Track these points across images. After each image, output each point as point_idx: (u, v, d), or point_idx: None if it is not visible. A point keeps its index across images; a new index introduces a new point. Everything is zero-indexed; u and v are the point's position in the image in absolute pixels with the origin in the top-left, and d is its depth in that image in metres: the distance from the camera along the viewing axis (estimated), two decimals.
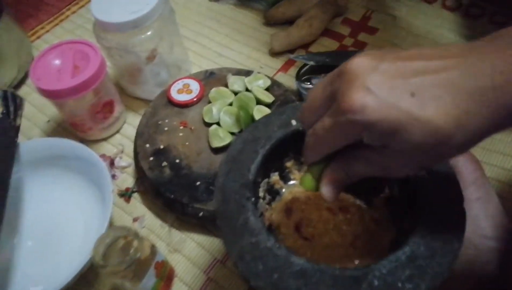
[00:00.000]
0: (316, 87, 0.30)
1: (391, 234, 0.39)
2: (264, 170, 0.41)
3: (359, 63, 0.27)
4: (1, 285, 0.51)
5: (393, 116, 0.25)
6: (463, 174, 0.47)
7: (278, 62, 0.73)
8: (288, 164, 0.45)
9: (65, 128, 0.68)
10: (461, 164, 0.47)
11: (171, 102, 0.62)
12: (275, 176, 0.44)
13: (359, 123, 0.26)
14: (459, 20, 0.74)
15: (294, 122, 0.42)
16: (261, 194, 0.41)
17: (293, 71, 0.70)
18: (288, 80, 0.69)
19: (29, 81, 0.74)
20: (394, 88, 0.26)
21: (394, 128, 0.26)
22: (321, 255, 0.39)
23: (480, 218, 0.45)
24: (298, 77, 0.62)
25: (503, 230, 0.45)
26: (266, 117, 0.43)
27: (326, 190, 0.33)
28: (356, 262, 0.38)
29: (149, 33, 0.58)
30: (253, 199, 0.37)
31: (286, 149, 0.43)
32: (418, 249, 0.32)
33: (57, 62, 0.59)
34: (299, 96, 0.63)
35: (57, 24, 0.84)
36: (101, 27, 0.58)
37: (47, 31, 0.83)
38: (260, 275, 0.32)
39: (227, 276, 0.51)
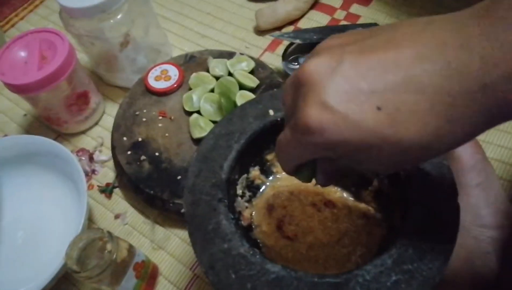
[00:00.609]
0: (285, 88, 0.26)
1: (381, 231, 0.36)
2: (242, 165, 0.38)
3: (315, 67, 0.22)
4: None
5: (357, 137, 0.21)
6: (462, 158, 0.44)
7: (265, 41, 0.68)
8: (269, 157, 0.41)
9: (42, 122, 0.64)
10: (460, 148, 0.43)
11: (149, 91, 0.59)
12: (254, 171, 0.40)
13: (319, 144, 0.23)
14: None
15: (271, 112, 0.38)
16: (239, 191, 0.38)
17: (281, 50, 0.66)
18: (275, 60, 0.65)
19: None
20: (356, 100, 0.21)
21: (359, 148, 0.22)
22: (305, 255, 0.36)
23: (480, 206, 0.42)
24: (285, 57, 0.58)
25: (505, 217, 0.42)
26: (241, 108, 0.39)
27: (319, 179, 0.29)
28: (342, 263, 0.35)
29: (119, 16, 0.54)
30: (225, 200, 0.34)
31: (266, 141, 0.39)
32: (405, 251, 0.29)
33: (22, 53, 0.55)
34: (286, 77, 0.59)
35: (31, 11, 0.79)
36: (67, 14, 0.54)
37: (21, 19, 0.79)
38: (232, 286, 0.30)
39: None
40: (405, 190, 0.33)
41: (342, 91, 0.21)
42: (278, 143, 0.27)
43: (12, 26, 0.78)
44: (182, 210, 0.49)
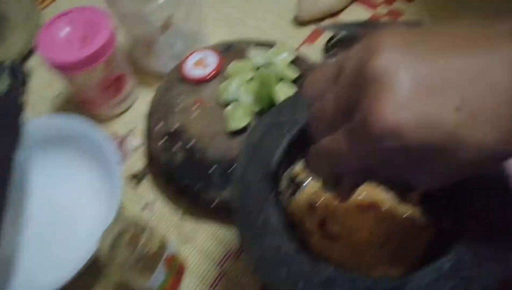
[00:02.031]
0: (317, 80, 0.24)
1: (428, 235, 0.34)
2: (288, 159, 0.36)
3: (386, 63, 0.20)
4: (4, 274, 0.48)
5: (435, 139, 0.20)
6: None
7: (304, 32, 0.66)
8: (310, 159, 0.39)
9: (75, 103, 0.63)
10: None
11: (186, 78, 0.57)
12: (299, 166, 0.39)
13: (391, 149, 0.20)
14: None
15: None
16: (283, 185, 0.36)
17: (320, 43, 0.64)
18: (314, 53, 0.63)
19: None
20: (434, 100, 0.20)
21: (434, 150, 0.20)
22: (349, 257, 0.34)
23: None
24: (326, 50, 0.56)
25: None
26: (291, 99, 0.37)
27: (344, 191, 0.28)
28: (387, 267, 0.33)
29: None
30: (275, 194, 0.32)
31: None
32: (463, 257, 0.28)
33: (65, 31, 0.54)
34: None
35: None
36: None
37: None
38: (282, 284, 0.28)
39: (241, 271, 0.47)
40: (459, 194, 0.31)
41: (420, 90, 0.20)
42: (320, 148, 0.25)
43: (48, 4, 0.77)
44: (214, 203, 0.48)
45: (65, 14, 0.55)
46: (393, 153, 0.21)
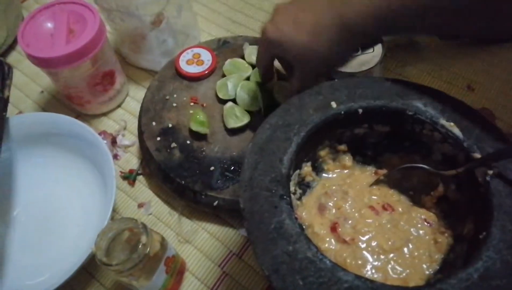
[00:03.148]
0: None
1: (447, 239, 0.33)
2: (296, 161, 0.35)
3: (278, 8, 0.42)
4: None
5: (282, 38, 0.40)
6: None
7: None
8: (322, 153, 0.38)
9: (60, 100, 0.60)
10: None
11: (180, 75, 0.55)
12: (307, 167, 0.37)
13: (270, 44, 0.42)
14: None
15: (334, 105, 0.35)
16: (292, 188, 0.35)
17: None
18: None
19: (20, 46, 0.66)
20: (289, 24, 0.39)
21: (281, 45, 0.40)
22: (364, 262, 0.33)
23: None
24: None
25: None
26: (299, 98, 0.36)
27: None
28: (407, 272, 0.33)
29: None
30: (288, 197, 0.31)
31: (322, 136, 0.37)
32: (493, 265, 0.27)
33: (49, 25, 0.51)
34: None
35: None
36: None
37: None
38: None
39: (244, 271, 0.46)
40: (483, 197, 0.30)
41: (284, 19, 0.40)
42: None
43: None
44: (215, 203, 0.46)
45: (48, 7, 0.51)
46: (273, 46, 0.42)
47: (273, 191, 0.31)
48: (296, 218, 0.30)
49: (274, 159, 0.33)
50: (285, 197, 0.31)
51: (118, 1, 0.51)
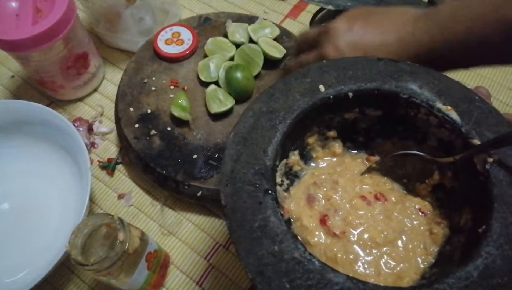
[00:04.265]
0: (308, 32, 0.43)
1: (443, 231, 0.31)
2: (283, 150, 0.32)
3: (337, 26, 0.39)
4: None
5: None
6: None
7: (286, 6, 0.61)
8: (311, 140, 0.36)
9: (33, 85, 0.57)
10: None
11: (159, 56, 0.52)
12: (294, 156, 0.35)
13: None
14: None
15: (322, 88, 0.32)
16: (278, 179, 0.33)
17: (304, 17, 0.59)
18: (298, 28, 0.59)
19: None
20: (354, 48, 0.37)
21: None
22: (356, 257, 0.31)
23: None
24: (313, 24, 0.52)
25: None
26: (284, 81, 0.33)
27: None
28: (401, 266, 0.31)
29: None
30: (273, 192, 0.28)
31: (310, 122, 0.34)
32: (493, 262, 0.25)
33: (13, 4, 0.47)
34: None
35: None
36: None
37: None
38: None
39: (231, 263, 0.44)
40: (482, 187, 0.28)
41: (348, 43, 0.38)
42: (298, 59, 0.43)
43: None
44: (199, 193, 0.44)
45: None
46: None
47: (257, 185, 0.28)
48: (282, 215, 0.28)
49: (258, 149, 0.30)
50: (270, 191, 0.28)
51: None
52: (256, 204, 0.28)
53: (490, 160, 0.28)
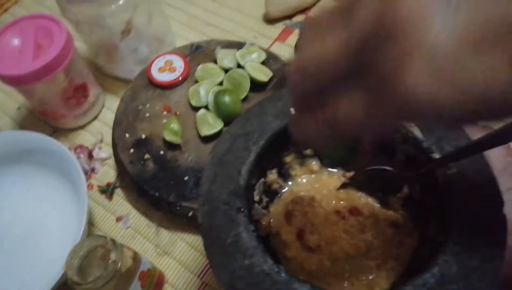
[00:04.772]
0: (314, 39, 0.18)
1: (412, 241, 0.33)
2: (259, 169, 0.34)
3: (417, 7, 0.15)
4: None
5: (485, 103, 0.15)
6: (491, 161, 0.41)
7: (275, 30, 0.64)
8: (288, 159, 0.38)
9: (37, 115, 0.60)
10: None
11: (152, 83, 0.55)
12: (272, 174, 0.37)
13: (424, 116, 0.16)
14: None
15: (293, 111, 0.34)
16: (256, 197, 0.35)
17: (292, 40, 0.62)
18: (286, 51, 0.61)
19: None
20: (480, 55, 0.15)
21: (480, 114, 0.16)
22: (330, 269, 0.33)
23: None
24: (298, 48, 0.54)
25: None
26: (259, 105, 0.35)
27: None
28: (372, 276, 0.32)
29: (120, 2, 0.49)
30: (245, 210, 0.30)
31: (285, 142, 0.36)
32: (449, 269, 0.26)
33: (16, 41, 0.50)
34: None
35: None
36: None
37: (15, 3, 0.74)
38: None
39: None
40: (443, 198, 0.30)
41: (461, 44, 0.15)
42: (328, 116, 0.19)
43: (5, 11, 0.73)
44: (190, 214, 0.46)
45: (14, 23, 0.51)
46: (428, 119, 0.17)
47: (231, 204, 0.30)
48: (256, 231, 0.30)
49: (233, 170, 0.32)
50: (242, 209, 0.30)
51: (84, 12, 0.50)
52: (229, 221, 0.30)
53: (449, 172, 0.29)
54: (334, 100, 0.18)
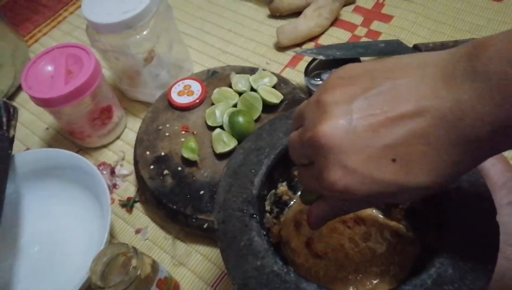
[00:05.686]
0: (293, 145, 0.29)
1: (414, 250, 0.35)
2: (270, 181, 0.37)
3: (330, 130, 0.24)
4: None
5: (377, 190, 0.24)
6: (492, 176, 0.43)
7: (286, 57, 0.68)
8: (296, 172, 0.41)
9: (64, 135, 0.65)
10: (489, 165, 0.42)
11: (172, 106, 0.59)
12: (282, 187, 0.40)
13: (342, 197, 0.26)
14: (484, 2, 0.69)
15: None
16: (267, 207, 0.38)
17: (301, 66, 0.66)
18: (296, 76, 0.65)
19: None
20: (373, 157, 0.23)
21: (381, 196, 0.25)
22: (336, 275, 0.35)
23: None
24: (307, 73, 0.58)
25: None
26: (270, 123, 0.39)
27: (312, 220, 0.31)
28: (376, 282, 0.34)
29: (144, 32, 0.54)
30: (257, 216, 0.33)
31: None
32: (445, 271, 0.28)
33: (49, 68, 0.56)
34: (309, 93, 0.59)
35: (54, 26, 0.81)
36: (94, 29, 0.55)
37: (45, 34, 0.80)
38: None
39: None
40: (441, 209, 0.32)
41: (360, 152, 0.24)
42: (299, 173, 0.30)
43: (36, 41, 0.79)
44: (205, 226, 0.49)
45: (48, 52, 0.56)
46: (346, 199, 0.27)
47: (244, 210, 0.33)
48: (265, 235, 0.32)
49: (246, 181, 0.35)
50: (255, 215, 0.33)
51: (111, 42, 0.55)
52: (243, 226, 0.33)
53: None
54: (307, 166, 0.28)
